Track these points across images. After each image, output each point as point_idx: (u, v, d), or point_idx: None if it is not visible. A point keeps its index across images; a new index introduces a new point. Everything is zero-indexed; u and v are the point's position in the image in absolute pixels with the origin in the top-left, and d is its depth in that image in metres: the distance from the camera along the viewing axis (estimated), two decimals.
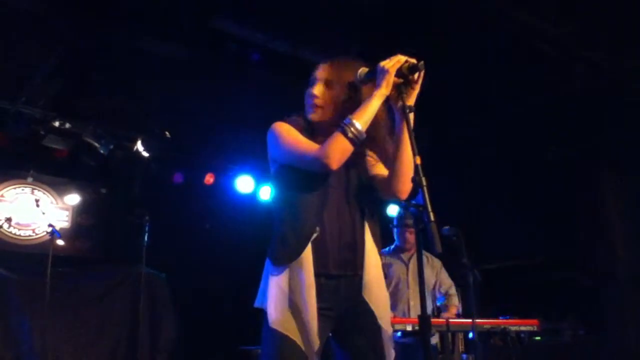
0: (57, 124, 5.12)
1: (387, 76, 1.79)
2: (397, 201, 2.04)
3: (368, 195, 1.98)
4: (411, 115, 1.76)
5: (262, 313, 1.86)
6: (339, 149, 1.80)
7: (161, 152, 5.69)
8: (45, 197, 5.93)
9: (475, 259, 3.46)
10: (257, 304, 1.89)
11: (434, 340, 3.61)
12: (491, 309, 4.06)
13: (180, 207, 6.13)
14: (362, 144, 1.85)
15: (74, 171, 5.89)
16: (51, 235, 4.95)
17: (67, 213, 6.05)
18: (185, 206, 6.19)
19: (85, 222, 6.12)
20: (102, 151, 5.37)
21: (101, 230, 6.17)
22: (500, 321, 3.68)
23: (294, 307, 1.80)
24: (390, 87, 1.80)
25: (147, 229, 4.88)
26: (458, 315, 4.02)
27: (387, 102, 1.88)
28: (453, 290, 4.18)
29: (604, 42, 4.37)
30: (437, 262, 4.28)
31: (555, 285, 5.47)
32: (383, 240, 2.02)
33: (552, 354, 4.52)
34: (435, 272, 4.24)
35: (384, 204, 5.21)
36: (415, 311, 3.95)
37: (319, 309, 1.79)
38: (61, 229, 5.37)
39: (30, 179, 5.83)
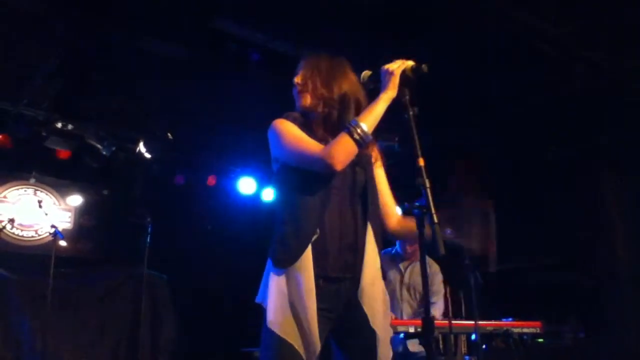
0: (59, 125, 5.13)
1: (394, 78, 1.81)
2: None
3: (372, 197, 1.98)
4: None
5: (262, 310, 1.86)
6: (343, 150, 1.80)
7: (163, 153, 5.69)
8: (47, 198, 5.94)
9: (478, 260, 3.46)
10: (258, 300, 1.90)
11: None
12: (493, 311, 4.05)
13: (181, 209, 6.14)
14: (367, 145, 1.86)
15: (76, 172, 5.89)
16: (54, 237, 4.95)
17: (69, 214, 6.07)
18: (187, 207, 6.20)
19: (87, 223, 6.13)
20: (104, 152, 5.38)
21: (103, 232, 6.18)
22: (503, 323, 3.67)
23: (293, 309, 1.79)
24: (396, 90, 1.82)
25: (148, 230, 4.88)
26: None
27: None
28: (435, 298, 4.11)
29: (604, 42, 4.37)
30: (435, 267, 4.22)
31: (555, 286, 5.45)
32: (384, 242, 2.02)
33: (554, 356, 4.51)
34: (429, 278, 4.18)
35: None
36: None
37: (319, 309, 1.79)
38: (63, 230, 5.38)
39: (32, 180, 5.85)
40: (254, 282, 1.97)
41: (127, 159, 5.57)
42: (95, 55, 4.54)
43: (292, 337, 1.77)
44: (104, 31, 4.26)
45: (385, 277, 2.01)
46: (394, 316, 3.91)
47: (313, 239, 1.83)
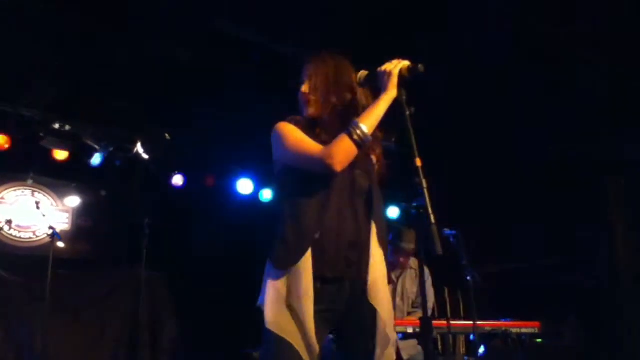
0: (57, 126, 5.12)
1: (392, 79, 1.81)
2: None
3: (377, 199, 1.97)
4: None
5: (261, 311, 1.86)
6: (343, 151, 1.81)
7: (161, 154, 5.68)
8: (45, 200, 5.93)
9: (479, 260, 3.46)
10: (259, 303, 1.90)
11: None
12: (492, 311, 4.05)
13: (180, 209, 6.13)
14: (367, 146, 1.85)
15: (74, 173, 5.88)
16: (52, 238, 4.94)
17: (67, 215, 6.05)
18: (186, 208, 6.19)
19: (85, 224, 6.11)
20: (102, 153, 5.37)
21: (101, 232, 6.17)
22: (501, 323, 3.67)
23: (292, 309, 1.80)
24: (396, 90, 1.81)
25: (147, 230, 4.87)
26: None
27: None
28: (429, 304, 4.10)
29: (604, 42, 4.36)
30: (426, 271, 4.13)
31: (555, 287, 5.45)
32: None
33: (554, 356, 4.51)
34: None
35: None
36: None
37: (317, 311, 1.79)
38: (61, 231, 5.36)
39: (30, 181, 5.83)
40: (253, 282, 1.97)
41: (125, 159, 5.55)
42: (95, 56, 4.54)
43: (292, 337, 1.78)
44: (104, 31, 4.26)
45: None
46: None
47: (315, 237, 1.83)
